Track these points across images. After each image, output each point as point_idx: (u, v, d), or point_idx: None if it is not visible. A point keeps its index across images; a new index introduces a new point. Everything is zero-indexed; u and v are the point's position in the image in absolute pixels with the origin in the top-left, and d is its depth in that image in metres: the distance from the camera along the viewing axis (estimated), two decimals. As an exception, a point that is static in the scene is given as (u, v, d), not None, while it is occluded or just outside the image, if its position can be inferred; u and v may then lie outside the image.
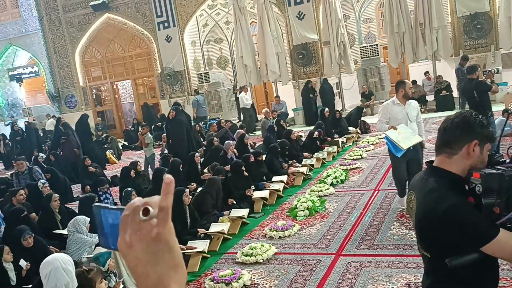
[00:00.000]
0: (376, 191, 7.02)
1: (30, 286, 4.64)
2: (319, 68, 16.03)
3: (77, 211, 6.74)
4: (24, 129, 15.90)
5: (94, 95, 20.55)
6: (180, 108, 11.44)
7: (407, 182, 5.82)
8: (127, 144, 16.40)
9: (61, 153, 11.83)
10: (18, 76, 22.42)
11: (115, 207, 0.82)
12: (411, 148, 5.58)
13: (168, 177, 0.70)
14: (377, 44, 16.04)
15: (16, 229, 5.30)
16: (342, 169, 8.30)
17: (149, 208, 0.70)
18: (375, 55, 15.63)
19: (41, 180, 7.96)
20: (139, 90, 20.46)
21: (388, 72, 15.98)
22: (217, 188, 6.48)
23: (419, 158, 5.74)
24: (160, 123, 16.05)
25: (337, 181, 7.78)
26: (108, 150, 13.99)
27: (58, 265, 2.59)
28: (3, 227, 6.68)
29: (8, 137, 16.04)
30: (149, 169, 10.03)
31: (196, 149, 10.11)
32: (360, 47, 16.21)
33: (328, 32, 14.81)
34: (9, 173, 11.24)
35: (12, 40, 21.45)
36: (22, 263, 4.89)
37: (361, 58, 15.95)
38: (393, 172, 6.17)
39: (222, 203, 6.68)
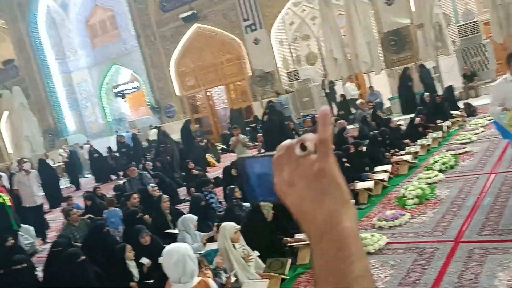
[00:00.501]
0: (493, 174, 6.45)
1: (151, 281, 4.90)
2: (414, 53, 15.25)
3: (186, 212, 7.04)
4: (130, 140, 17.07)
5: (190, 104, 21.48)
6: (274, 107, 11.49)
7: None
8: (225, 147, 16.88)
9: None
10: (121, 92, 24.17)
11: (262, 154, 0.78)
12: None
13: (324, 109, 0.63)
14: (476, 21, 14.91)
15: (134, 228, 5.64)
16: (451, 154, 7.77)
17: (306, 143, 0.64)
18: (475, 33, 14.52)
19: (151, 184, 8.42)
20: (231, 95, 20.99)
21: (493, 49, 14.75)
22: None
23: None
24: (254, 124, 16.33)
25: (446, 167, 7.29)
26: (208, 154, 14.50)
27: (185, 253, 2.68)
28: (121, 227, 7.18)
29: (116, 149, 17.36)
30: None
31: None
32: (458, 26, 15.18)
33: (421, 14, 14.05)
34: (121, 181, 12.10)
35: (114, 59, 23.18)
36: (144, 260, 5.18)
37: (460, 37, 14.92)
38: None
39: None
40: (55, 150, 22.01)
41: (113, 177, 16.27)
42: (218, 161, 14.48)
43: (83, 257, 4.77)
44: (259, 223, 5.11)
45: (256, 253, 4.84)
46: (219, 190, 9.52)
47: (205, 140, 16.67)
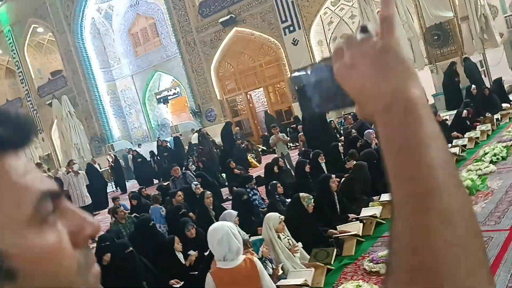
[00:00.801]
0: (549, 164, 6.14)
1: (196, 272, 4.94)
2: (458, 47, 14.77)
3: (230, 208, 7.07)
4: (172, 144, 17.37)
5: (230, 107, 21.66)
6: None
7: None
8: (265, 148, 16.90)
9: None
10: (164, 98, 24.67)
11: (318, 61, 0.76)
12: None
13: None
14: (525, 11, 14.29)
15: (180, 221, 5.72)
16: (502, 146, 7.44)
17: (367, 25, 0.62)
18: (524, 23, 13.91)
19: (194, 182, 8.53)
20: (271, 97, 21.01)
21: (543, 39, 14.10)
22: (364, 173, 6.27)
23: None
24: (294, 125, 16.27)
25: (498, 158, 6.99)
26: (250, 155, 14.56)
27: (229, 231, 2.68)
28: (163, 226, 7.29)
29: (156, 153, 17.71)
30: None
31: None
32: (505, 17, 14.60)
33: (465, 6, 13.61)
34: (165, 183, 12.33)
35: (156, 66, 23.73)
36: (191, 252, 5.24)
37: (508, 28, 14.34)
38: None
39: (370, 190, 6.44)
40: (101, 156, 22.69)
41: (155, 181, 16.59)
42: (259, 162, 14.50)
43: (131, 248, 4.87)
44: (300, 215, 5.06)
45: (300, 244, 4.79)
46: (261, 189, 9.53)
47: (246, 142, 16.77)
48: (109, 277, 4.74)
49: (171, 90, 24.68)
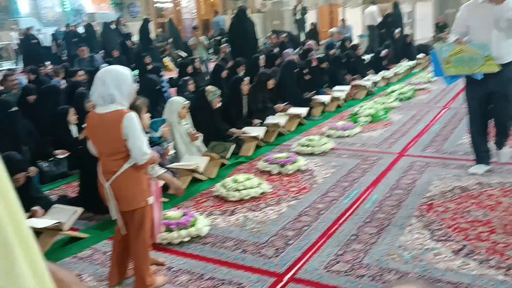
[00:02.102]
0: (447, 109, 6.53)
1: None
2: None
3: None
4: (84, 31, 16.04)
5: (155, 7, 20.36)
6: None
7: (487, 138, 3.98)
8: (185, 55, 16.28)
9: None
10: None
11: None
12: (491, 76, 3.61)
13: None
14: (461, -28, 14.65)
15: (77, 93, 5.34)
16: (410, 88, 7.78)
17: None
18: (457, -16, 14.30)
19: (102, 65, 7.97)
20: (201, 6, 20.02)
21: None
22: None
23: (506, 93, 3.68)
24: (220, 37, 15.77)
25: (403, 97, 7.32)
26: (166, 58, 13.95)
27: (104, 75, 2.42)
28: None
29: (64, 39, 16.16)
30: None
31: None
32: (442, -27, 14.86)
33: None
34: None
35: None
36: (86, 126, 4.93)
37: (441, -14, 14.67)
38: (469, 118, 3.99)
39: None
40: (3, 30, 20.48)
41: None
42: (177, 66, 13.99)
43: (16, 108, 4.44)
44: (203, 109, 4.90)
45: (201, 135, 4.68)
46: (172, 91, 9.23)
47: (166, 44, 15.99)
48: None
49: (93, -26, 22.50)
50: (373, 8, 13.53)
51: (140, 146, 2.38)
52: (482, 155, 4.00)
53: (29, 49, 14.56)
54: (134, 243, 2.54)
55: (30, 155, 4.46)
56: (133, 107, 2.58)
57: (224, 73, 7.42)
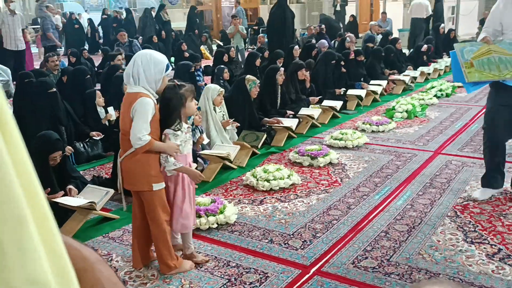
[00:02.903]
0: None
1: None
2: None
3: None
4: (123, 16, 16.27)
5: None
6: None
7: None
8: (222, 44, 16.33)
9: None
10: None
11: None
12: None
13: None
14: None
15: (114, 76, 5.42)
16: (450, 85, 7.54)
17: None
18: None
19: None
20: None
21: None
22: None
23: None
24: (257, 27, 15.73)
25: (442, 94, 7.11)
26: (203, 45, 14.03)
27: (138, 59, 2.46)
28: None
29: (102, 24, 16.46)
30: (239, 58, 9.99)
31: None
32: (490, -33, 14.29)
33: None
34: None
35: None
36: (111, 110, 5.02)
37: (489, -20, 14.10)
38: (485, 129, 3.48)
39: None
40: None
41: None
42: (212, 54, 14.06)
43: (55, 89, 4.55)
44: (240, 97, 4.90)
45: (237, 124, 4.68)
46: (207, 79, 9.28)
47: (204, 34, 16.08)
48: (26, 114, 4.45)
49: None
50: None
51: (136, 130, 2.38)
52: (493, 177, 3.39)
53: (72, 33, 14.97)
54: (151, 227, 2.58)
55: (67, 135, 4.57)
56: (179, 95, 2.55)
57: (257, 62, 7.37)
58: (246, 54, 10.76)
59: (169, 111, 2.52)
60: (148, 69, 2.42)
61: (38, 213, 0.37)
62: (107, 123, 5.07)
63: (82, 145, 4.68)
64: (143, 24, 14.51)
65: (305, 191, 3.74)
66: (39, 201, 0.38)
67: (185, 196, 2.64)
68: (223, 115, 4.61)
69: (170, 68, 2.57)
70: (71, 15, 15.90)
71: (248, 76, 5.00)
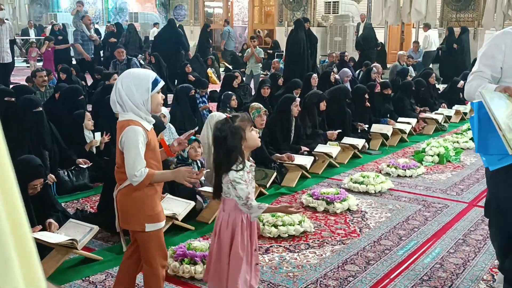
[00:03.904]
0: (531, 155, 6.28)
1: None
2: (477, 16, 14.69)
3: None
4: (126, 30, 16.62)
5: (205, 11, 20.92)
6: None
7: None
8: (230, 68, 16.57)
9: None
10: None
11: None
12: None
13: None
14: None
15: (106, 98, 5.50)
16: (488, 127, 7.54)
17: None
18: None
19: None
20: (254, 14, 20.40)
21: None
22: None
23: None
24: (271, 51, 16.03)
25: (480, 138, 7.10)
26: (210, 69, 14.24)
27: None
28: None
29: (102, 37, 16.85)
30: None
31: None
32: (538, -2, 14.52)
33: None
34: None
35: None
36: (98, 135, 5.09)
37: (536, 11, 14.30)
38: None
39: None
40: (40, 23, 21.61)
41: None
42: (219, 78, 14.25)
43: (41, 108, 4.62)
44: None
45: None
46: (212, 106, 9.39)
47: (210, 55, 16.35)
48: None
49: (140, -29, 23.45)
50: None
51: (130, 167, 2.35)
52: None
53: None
54: (144, 270, 2.58)
55: (50, 161, 4.61)
56: (233, 128, 2.41)
57: (264, 91, 7.43)
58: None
59: (227, 151, 2.37)
60: (130, 93, 2.39)
61: (22, 251, 0.38)
62: (93, 150, 5.12)
63: (66, 173, 4.70)
64: (126, 41, 14.89)
65: (318, 240, 3.71)
66: (23, 231, 0.39)
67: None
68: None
69: (161, 82, 2.49)
70: (53, 26, 16.33)
71: (253, 104, 5.06)
